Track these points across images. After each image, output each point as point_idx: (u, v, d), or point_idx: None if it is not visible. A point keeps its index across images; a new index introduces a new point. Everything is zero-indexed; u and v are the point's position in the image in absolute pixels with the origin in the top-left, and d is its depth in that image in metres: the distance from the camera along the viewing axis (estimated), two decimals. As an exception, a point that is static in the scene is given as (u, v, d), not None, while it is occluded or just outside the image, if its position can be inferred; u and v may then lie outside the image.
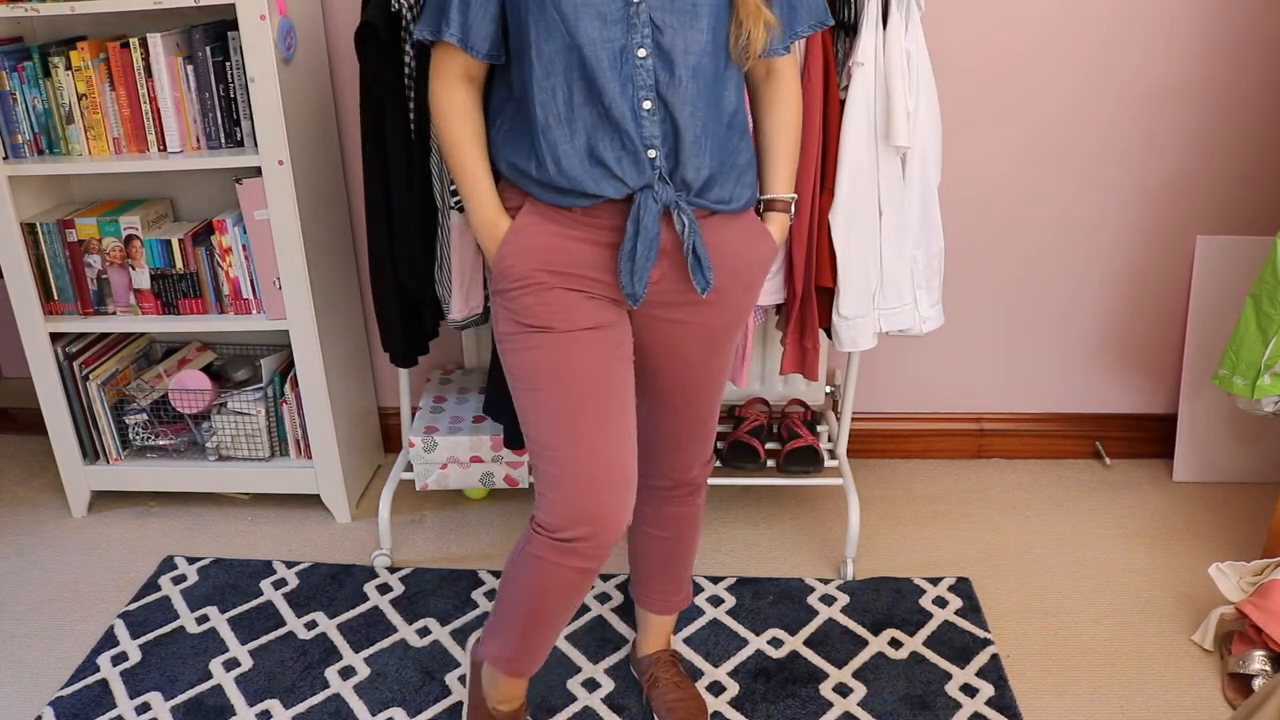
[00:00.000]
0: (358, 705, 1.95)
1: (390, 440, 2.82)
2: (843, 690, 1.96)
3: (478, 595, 2.24)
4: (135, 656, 2.09)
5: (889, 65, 1.89)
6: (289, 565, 2.35)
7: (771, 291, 2.07)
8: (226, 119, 2.22)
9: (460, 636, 2.12)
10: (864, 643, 2.08)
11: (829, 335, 2.09)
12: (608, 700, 1.95)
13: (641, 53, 1.41)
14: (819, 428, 2.48)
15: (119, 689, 2.01)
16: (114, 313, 2.40)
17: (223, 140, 2.24)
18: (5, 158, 2.24)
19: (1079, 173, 2.47)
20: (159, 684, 2.01)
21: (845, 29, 1.94)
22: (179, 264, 2.34)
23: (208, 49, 2.16)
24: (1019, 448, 2.74)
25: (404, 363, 2.22)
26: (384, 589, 2.27)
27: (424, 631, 2.14)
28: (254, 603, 2.24)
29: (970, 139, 2.43)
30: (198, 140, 2.24)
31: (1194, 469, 2.61)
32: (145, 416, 2.53)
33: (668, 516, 1.82)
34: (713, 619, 2.15)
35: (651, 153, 1.45)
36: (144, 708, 1.96)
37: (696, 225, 1.48)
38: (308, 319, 2.32)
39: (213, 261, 2.34)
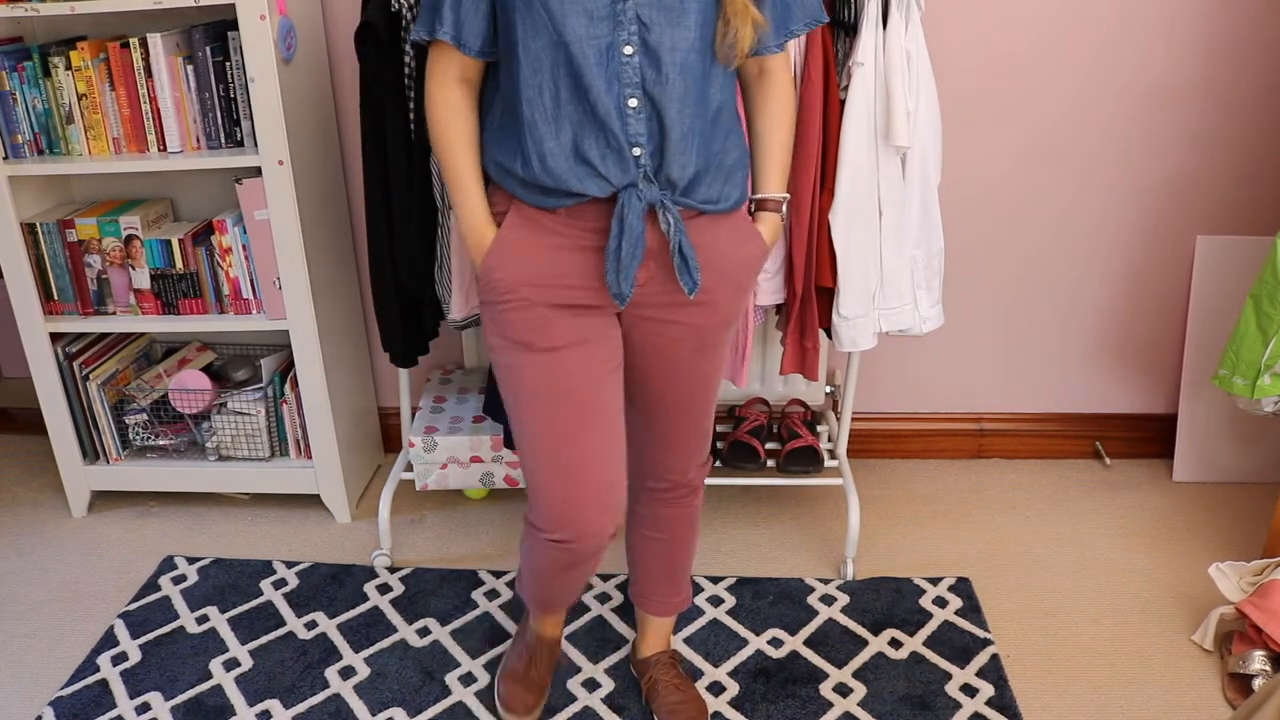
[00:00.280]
0: (358, 705, 1.95)
1: (390, 440, 2.82)
2: (843, 690, 1.96)
3: (478, 595, 2.24)
4: (135, 656, 2.09)
5: (889, 65, 1.89)
6: (289, 565, 2.36)
7: (771, 291, 2.07)
8: (226, 119, 2.22)
9: (460, 636, 2.12)
10: (864, 643, 2.08)
11: (829, 335, 2.09)
12: (608, 700, 1.95)
13: (628, 50, 1.41)
14: (819, 428, 2.48)
15: (119, 689, 2.01)
16: (114, 313, 2.40)
17: (223, 140, 2.24)
18: (5, 158, 2.24)
19: (1079, 173, 2.47)
20: (159, 684, 2.02)
21: (845, 29, 1.94)
22: (179, 264, 2.34)
23: (208, 49, 2.16)
24: (1019, 448, 2.74)
25: (404, 363, 2.22)
26: (384, 589, 2.27)
27: (424, 631, 2.14)
28: (254, 603, 2.24)
29: (970, 139, 2.43)
30: (198, 140, 2.24)
31: (1194, 469, 2.61)
32: (145, 416, 2.53)
33: (664, 519, 1.81)
34: (713, 619, 2.15)
35: (636, 150, 1.44)
36: (144, 708, 1.96)
37: (682, 225, 1.48)
38: (308, 319, 2.32)
39: (213, 261, 2.34)
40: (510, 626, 2.14)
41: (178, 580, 2.32)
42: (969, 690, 1.95)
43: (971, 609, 2.16)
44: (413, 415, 2.47)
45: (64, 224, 2.34)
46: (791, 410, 2.49)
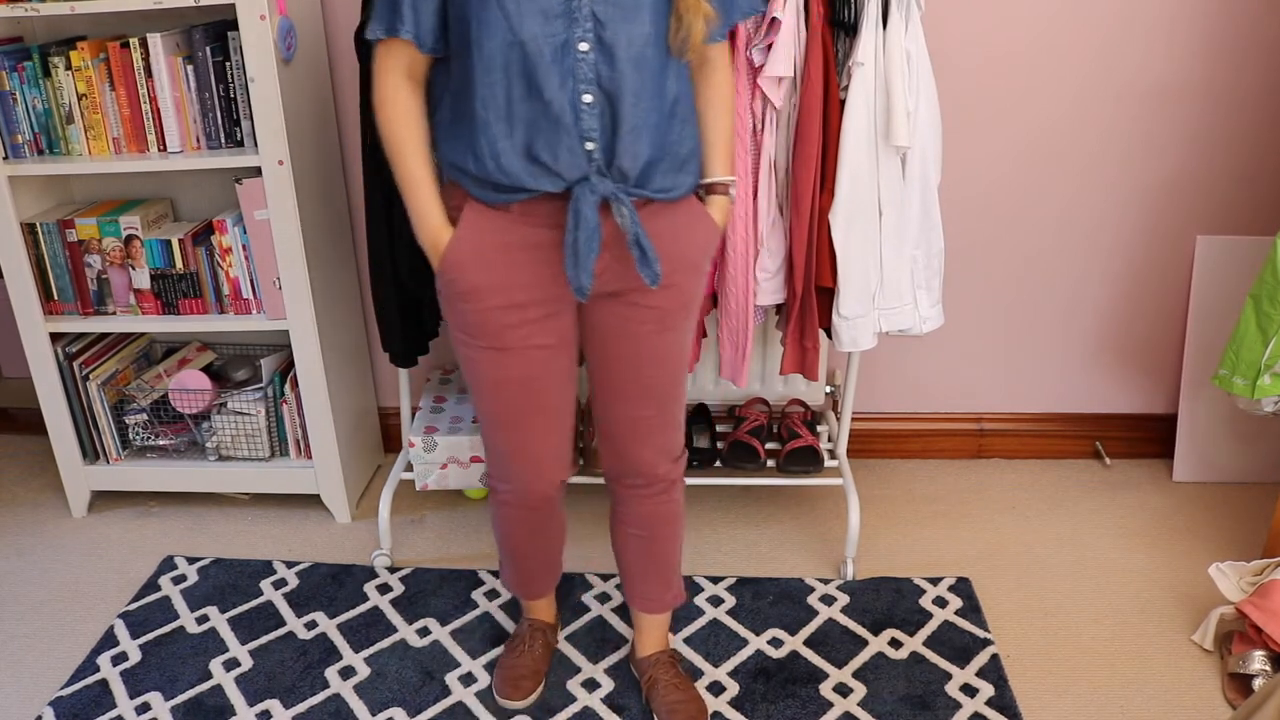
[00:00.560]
0: (358, 705, 1.95)
1: (390, 440, 2.82)
2: (843, 690, 1.96)
3: (478, 595, 2.24)
4: (135, 656, 2.09)
5: (889, 65, 1.89)
6: (289, 565, 2.35)
7: (771, 291, 2.07)
8: (226, 119, 2.22)
9: (460, 636, 2.12)
10: (864, 643, 2.08)
11: (829, 335, 2.09)
12: (608, 700, 1.95)
13: (583, 46, 1.43)
14: (819, 428, 2.48)
15: (119, 689, 2.01)
16: (114, 313, 2.40)
17: (223, 140, 2.24)
18: (5, 158, 2.24)
19: (1079, 173, 2.47)
20: (159, 684, 2.02)
21: (845, 29, 1.94)
22: (179, 264, 2.34)
23: (208, 49, 2.16)
24: (1019, 448, 2.74)
25: (404, 363, 2.22)
26: (384, 589, 2.27)
27: (424, 631, 2.14)
28: (254, 603, 2.24)
29: (970, 139, 2.43)
30: (198, 140, 2.24)
31: (1194, 469, 2.61)
32: (145, 416, 2.53)
33: (644, 515, 1.83)
34: (713, 619, 2.15)
35: (590, 145, 1.47)
36: (144, 708, 1.96)
37: (637, 217, 1.51)
38: (308, 319, 2.32)
39: (213, 261, 2.34)
40: (510, 626, 2.14)
41: (178, 580, 2.32)
42: (969, 690, 1.95)
43: (971, 609, 2.16)
44: (413, 415, 2.47)
45: (64, 224, 2.34)
46: (791, 410, 2.49)
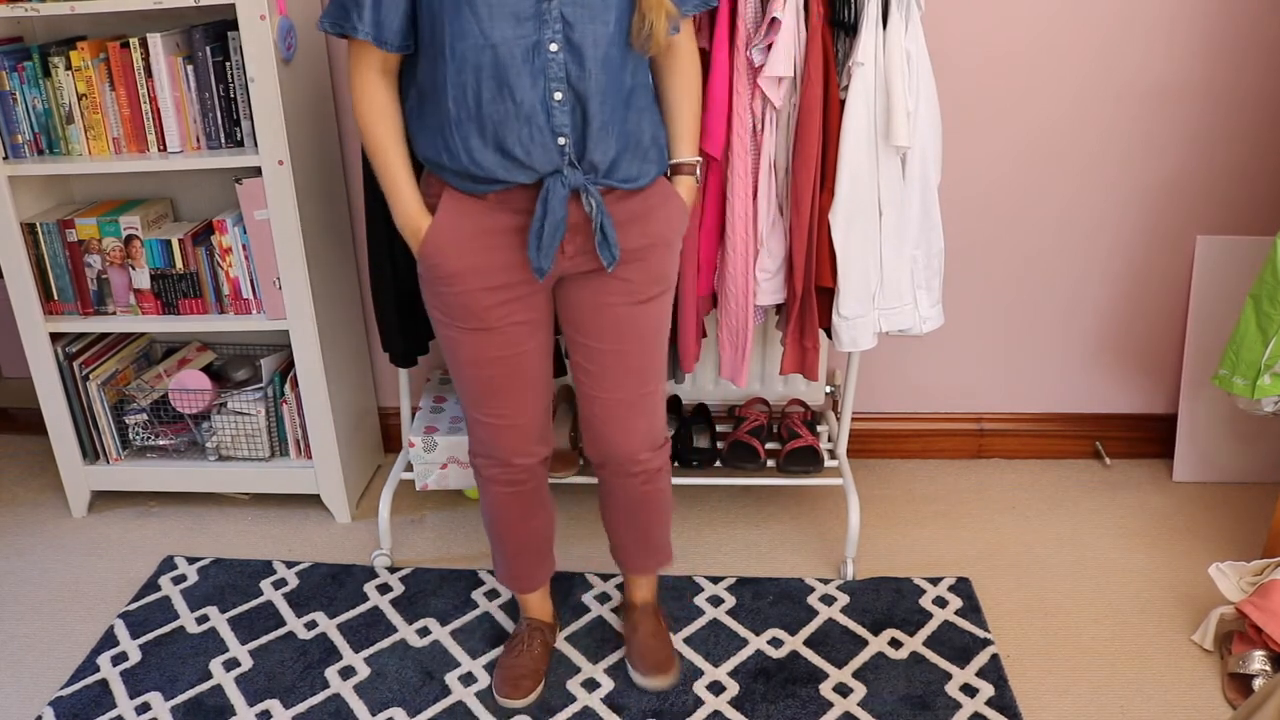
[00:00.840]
0: (358, 705, 1.95)
1: (390, 440, 2.82)
2: (843, 690, 1.96)
3: (478, 595, 2.24)
4: (135, 656, 2.09)
5: (889, 65, 1.89)
6: (289, 565, 2.36)
7: (771, 291, 2.07)
8: (226, 119, 2.22)
9: (460, 636, 2.12)
10: (864, 643, 2.08)
11: (829, 335, 2.09)
12: (607, 700, 1.95)
13: (553, 47, 1.49)
14: (819, 428, 2.48)
15: (119, 689, 2.01)
16: (114, 313, 2.40)
17: (223, 140, 2.24)
18: (5, 158, 2.24)
19: (1079, 173, 2.47)
20: (159, 684, 2.02)
21: (845, 29, 1.94)
22: (179, 264, 2.34)
23: (208, 49, 2.16)
24: (1019, 448, 2.75)
25: (404, 363, 2.22)
26: (384, 589, 2.27)
27: (424, 631, 2.14)
28: (254, 603, 2.24)
29: (970, 139, 2.43)
30: (198, 140, 2.24)
31: (1194, 469, 2.61)
32: (145, 416, 2.53)
33: (628, 500, 1.89)
34: (713, 619, 2.15)
35: (561, 140, 1.54)
36: (144, 708, 1.96)
37: (604, 206, 1.58)
38: (308, 319, 2.32)
39: (213, 261, 2.34)
40: (510, 626, 2.14)
41: (178, 580, 2.32)
42: (969, 690, 1.95)
43: (971, 609, 2.16)
44: (413, 415, 2.47)
45: (64, 224, 2.34)
46: (791, 410, 2.49)
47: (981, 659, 2.02)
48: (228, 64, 2.19)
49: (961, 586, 2.23)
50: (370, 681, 2.01)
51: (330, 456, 2.46)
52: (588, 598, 2.22)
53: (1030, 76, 2.38)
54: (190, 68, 2.18)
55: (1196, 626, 2.09)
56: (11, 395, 3.00)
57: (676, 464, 2.36)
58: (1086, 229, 2.53)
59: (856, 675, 1.99)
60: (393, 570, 2.33)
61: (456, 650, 2.08)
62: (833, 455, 2.43)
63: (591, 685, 1.99)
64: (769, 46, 1.87)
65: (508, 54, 1.48)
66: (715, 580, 2.27)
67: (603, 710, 1.93)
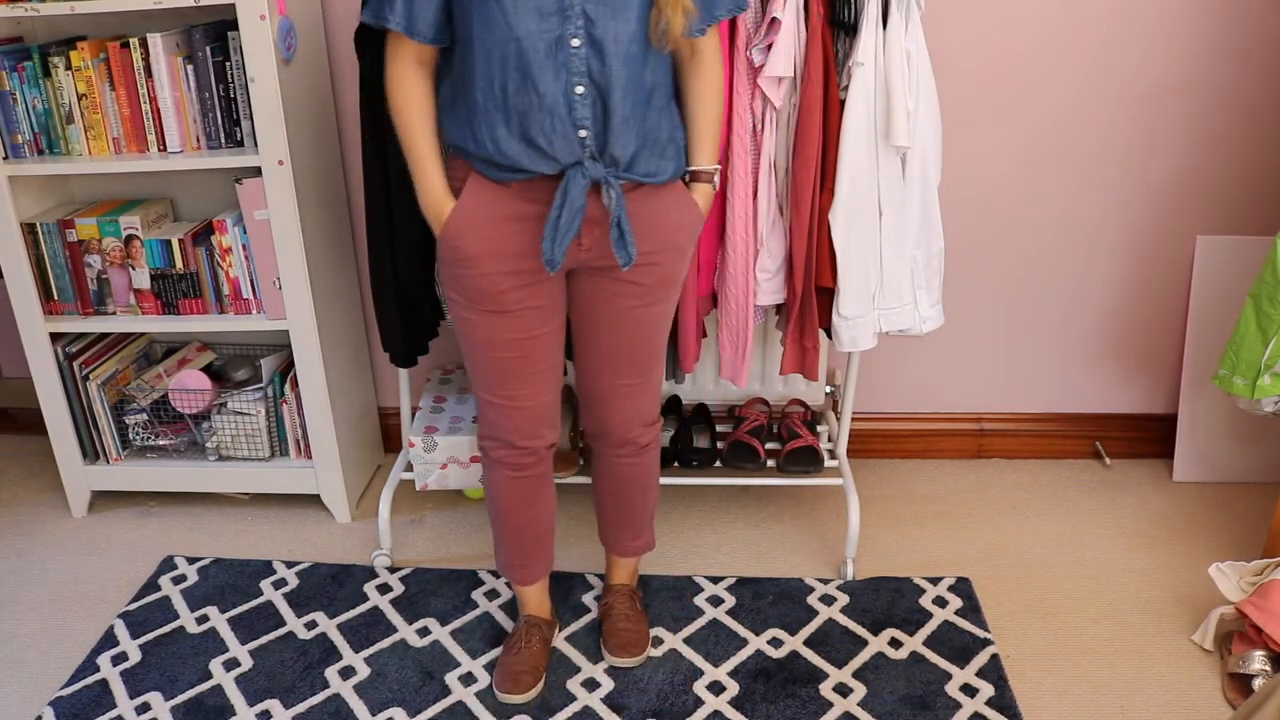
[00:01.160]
0: (358, 705, 1.95)
1: (390, 440, 2.82)
2: (843, 690, 1.96)
3: (478, 595, 2.24)
4: (135, 656, 2.09)
5: (889, 65, 1.89)
6: (289, 565, 2.35)
7: (771, 291, 2.07)
8: (226, 119, 2.22)
9: (460, 636, 2.12)
10: (864, 643, 2.08)
11: (829, 335, 2.09)
12: (607, 700, 1.95)
13: (575, 42, 1.54)
14: (819, 428, 2.48)
15: (119, 689, 2.01)
16: (114, 313, 2.40)
17: (223, 140, 2.24)
18: (5, 158, 2.24)
19: (1079, 173, 2.47)
20: (159, 684, 2.02)
21: (845, 29, 1.94)
22: (179, 264, 2.34)
23: (208, 49, 2.16)
24: (1019, 448, 2.75)
25: (404, 363, 2.22)
26: (384, 589, 2.27)
27: (424, 631, 2.14)
28: (254, 603, 2.24)
29: (970, 139, 2.43)
30: (198, 140, 2.24)
31: (1194, 469, 2.61)
32: (145, 416, 2.53)
33: (618, 476, 1.97)
34: (713, 619, 2.15)
35: (583, 133, 1.58)
36: (144, 708, 1.96)
37: (623, 201, 1.62)
38: (308, 319, 2.32)
39: (213, 261, 2.34)
40: (510, 626, 2.14)
41: (178, 580, 2.32)
42: (969, 690, 1.95)
43: (971, 609, 2.16)
44: (413, 415, 2.47)
45: (64, 224, 2.34)
46: (791, 410, 2.49)
47: (981, 659, 2.02)
48: (228, 64, 2.19)
49: (961, 586, 2.23)
50: (370, 681, 2.01)
51: (330, 456, 2.46)
52: (588, 598, 2.22)
53: (1030, 76, 2.38)
54: (190, 68, 2.18)
55: (1196, 626, 2.09)
56: (11, 395, 3.00)
57: (676, 464, 2.37)
58: (1086, 229, 2.53)
59: (856, 675, 1.99)
60: (393, 570, 2.33)
61: (456, 650, 2.08)
62: (833, 455, 2.43)
63: (591, 685, 1.99)
64: (769, 46, 1.87)
65: (531, 47, 1.52)
66: (715, 580, 2.27)
67: (603, 710, 1.93)
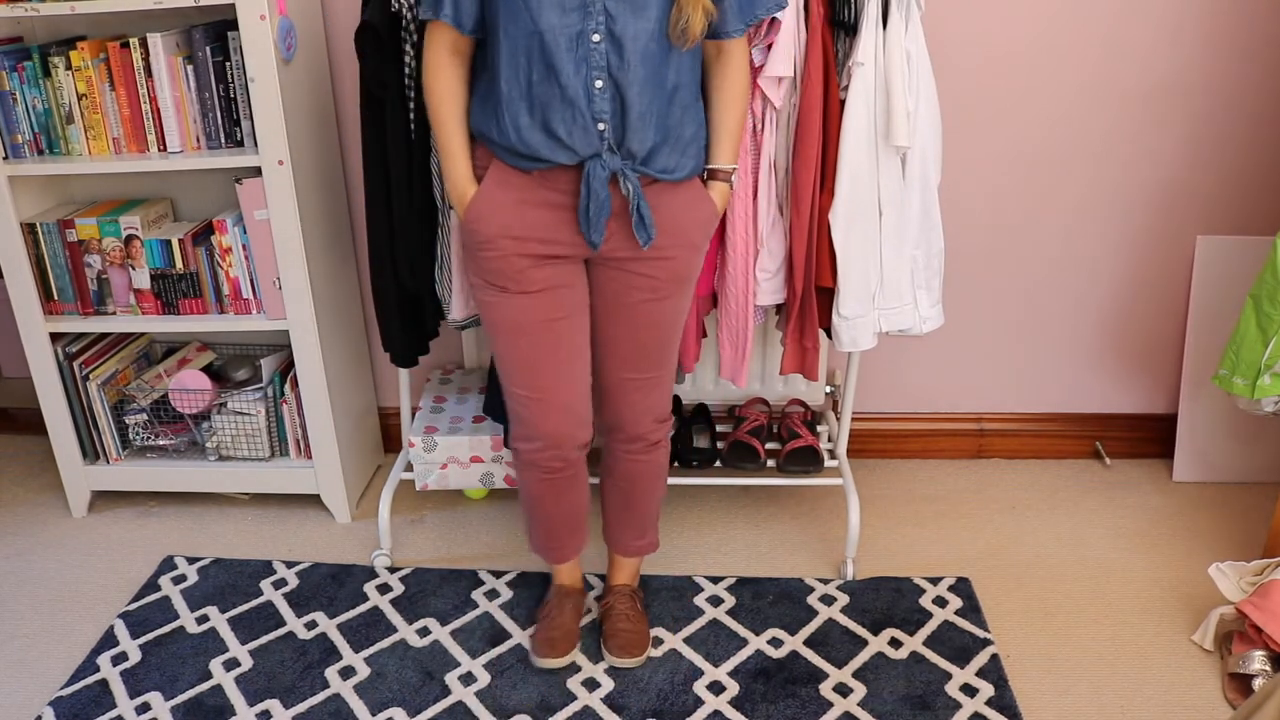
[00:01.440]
0: (358, 705, 1.95)
1: (390, 440, 2.82)
2: (843, 690, 1.96)
3: (478, 595, 2.24)
4: (135, 656, 2.09)
5: (889, 65, 1.89)
6: (289, 565, 2.36)
7: (771, 291, 2.07)
8: (226, 119, 2.22)
9: (460, 636, 2.12)
10: (864, 643, 2.08)
11: (829, 335, 2.09)
12: (607, 700, 1.95)
13: (596, 38, 1.58)
14: (819, 428, 2.48)
15: (119, 689, 2.01)
16: (114, 313, 2.40)
17: (223, 140, 2.24)
18: (5, 158, 2.24)
19: (1079, 173, 2.47)
20: (159, 684, 2.02)
21: (845, 29, 1.94)
22: (179, 264, 2.34)
23: (208, 49, 2.16)
24: (1019, 448, 2.75)
25: (404, 363, 2.22)
26: (384, 589, 2.27)
27: (424, 631, 2.14)
28: (254, 603, 2.24)
29: (970, 139, 2.43)
30: (198, 140, 2.24)
31: (1194, 469, 2.61)
32: (145, 416, 2.53)
33: (627, 471, 1.99)
34: (713, 619, 2.15)
35: (601, 125, 1.63)
36: (144, 708, 1.96)
37: (640, 189, 1.67)
38: (308, 319, 2.32)
39: (213, 261, 2.34)
40: (510, 626, 2.14)
41: (178, 580, 2.32)
42: (969, 690, 1.95)
43: (971, 609, 2.16)
44: (413, 415, 2.47)
45: (64, 224, 2.34)
46: (791, 410, 2.49)
47: (981, 659, 2.02)
48: (228, 64, 2.19)
49: (961, 586, 2.23)
50: (370, 681, 2.01)
51: (330, 456, 2.46)
52: (589, 599, 2.22)
53: (1030, 76, 2.38)
54: (190, 68, 2.18)
55: (1196, 626, 2.09)
56: (11, 395, 3.00)
57: (676, 464, 2.36)
58: (1087, 229, 2.53)
59: (856, 675, 1.99)
60: (393, 570, 2.33)
61: (456, 650, 2.08)
62: (833, 455, 2.43)
63: (592, 685, 1.99)
64: (769, 46, 1.87)
65: (553, 40, 1.57)
66: (715, 580, 2.27)
67: (603, 710, 1.93)
